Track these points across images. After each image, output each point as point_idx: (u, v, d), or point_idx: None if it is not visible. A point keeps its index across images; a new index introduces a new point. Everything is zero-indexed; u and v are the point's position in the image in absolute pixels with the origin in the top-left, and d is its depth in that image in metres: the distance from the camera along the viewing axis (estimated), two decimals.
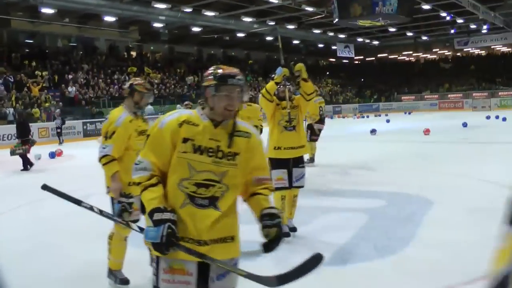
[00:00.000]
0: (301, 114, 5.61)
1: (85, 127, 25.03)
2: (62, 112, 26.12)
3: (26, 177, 11.84)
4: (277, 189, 4.99)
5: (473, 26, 40.71)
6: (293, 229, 5.46)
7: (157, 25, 33.10)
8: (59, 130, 21.71)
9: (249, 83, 39.83)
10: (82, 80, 29.09)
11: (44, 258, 5.27)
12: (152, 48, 40.38)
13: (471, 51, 52.02)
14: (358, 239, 3.93)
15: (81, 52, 32.77)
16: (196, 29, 35.03)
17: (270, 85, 5.48)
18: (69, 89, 27.55)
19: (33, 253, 5.46)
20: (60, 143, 21.21)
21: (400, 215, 6.09)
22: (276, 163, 5.33)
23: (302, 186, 5.50)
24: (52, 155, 15.93)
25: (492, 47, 49.23)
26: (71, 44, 34.11)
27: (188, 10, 29.96)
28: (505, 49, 49.77)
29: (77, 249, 5.56)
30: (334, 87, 49.23)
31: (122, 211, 4.07)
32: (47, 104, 24.74)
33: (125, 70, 32.67)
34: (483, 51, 51.99)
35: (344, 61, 53.76)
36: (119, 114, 4.19)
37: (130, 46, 37.70)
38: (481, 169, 9.28)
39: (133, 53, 37.58)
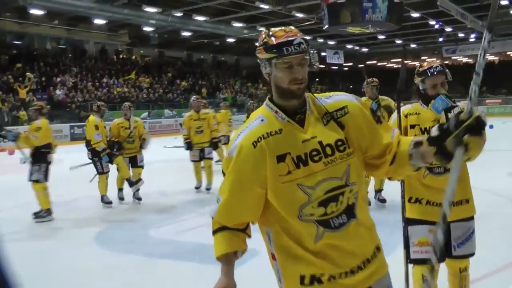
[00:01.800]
0: None
1: (72, 130, 24.80)
2: (50, 115, 25.91)
3: (14, 179, 11.69)
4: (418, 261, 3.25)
5: (461, 35, 41.12)
6: None
7: (147, 29, 33.05)
8: None
9: (239, 88, 39.85)
10: (70, 83, 28.88)
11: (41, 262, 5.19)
12: (141, 52, 40.25)
13: (459, 59, 52.46)
14: None
15: (70, 55, 32.59)
16: (186, 33, 34.97)
17: None
18: (57, 92, 27.34)
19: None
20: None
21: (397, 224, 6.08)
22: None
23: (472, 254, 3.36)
24: None
25: None
26: (60, 46, 33.92)
27: (179, 14, 29.88)
28: (492, 57, 50.22)
29: (75, 254, 5.50)
30: None
31: None
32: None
33: (113, 73, 32.52)
34: (471, 59, 52.50)
35: (333, 67, 54.03)
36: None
37: (120, 49, 37.56)
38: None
39: (123, 57, 37.44)
